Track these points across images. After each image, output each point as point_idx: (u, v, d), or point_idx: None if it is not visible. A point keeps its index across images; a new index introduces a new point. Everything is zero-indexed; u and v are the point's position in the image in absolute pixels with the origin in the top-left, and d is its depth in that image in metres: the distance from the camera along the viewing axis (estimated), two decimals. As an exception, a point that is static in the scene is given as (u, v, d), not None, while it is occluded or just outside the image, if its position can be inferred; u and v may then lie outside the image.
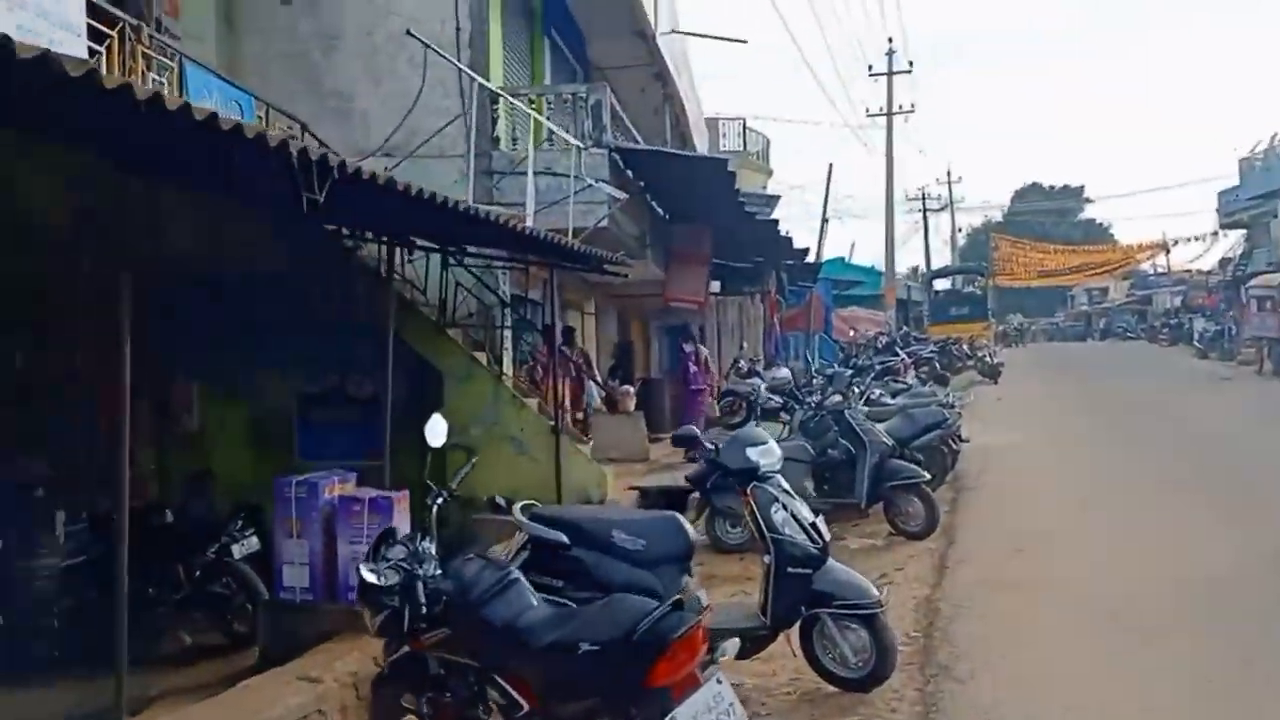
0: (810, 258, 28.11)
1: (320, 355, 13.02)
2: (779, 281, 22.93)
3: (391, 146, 13.10)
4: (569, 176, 12.52)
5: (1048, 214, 72.54)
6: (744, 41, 23.28)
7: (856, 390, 13.72)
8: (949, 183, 53.16)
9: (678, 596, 4.07)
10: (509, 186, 12.99)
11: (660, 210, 18.22)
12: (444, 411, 11.90)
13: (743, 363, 16.50)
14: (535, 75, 15.17)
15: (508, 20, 14.30)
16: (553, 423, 11.93)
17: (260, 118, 10.87)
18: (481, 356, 11.99)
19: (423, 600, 4.46)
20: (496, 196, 12.99)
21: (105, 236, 8.85)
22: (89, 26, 7.85)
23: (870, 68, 36.68)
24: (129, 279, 5.19)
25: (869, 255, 40.49)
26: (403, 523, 8.16)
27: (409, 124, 13.08)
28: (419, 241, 10.88)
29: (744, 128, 35.12)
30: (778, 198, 36.23)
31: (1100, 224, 77.32)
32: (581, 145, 12.99)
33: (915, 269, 57.70)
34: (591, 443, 14.55)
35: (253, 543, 8.53)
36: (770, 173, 38.93)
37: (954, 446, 11.64)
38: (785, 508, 5.99)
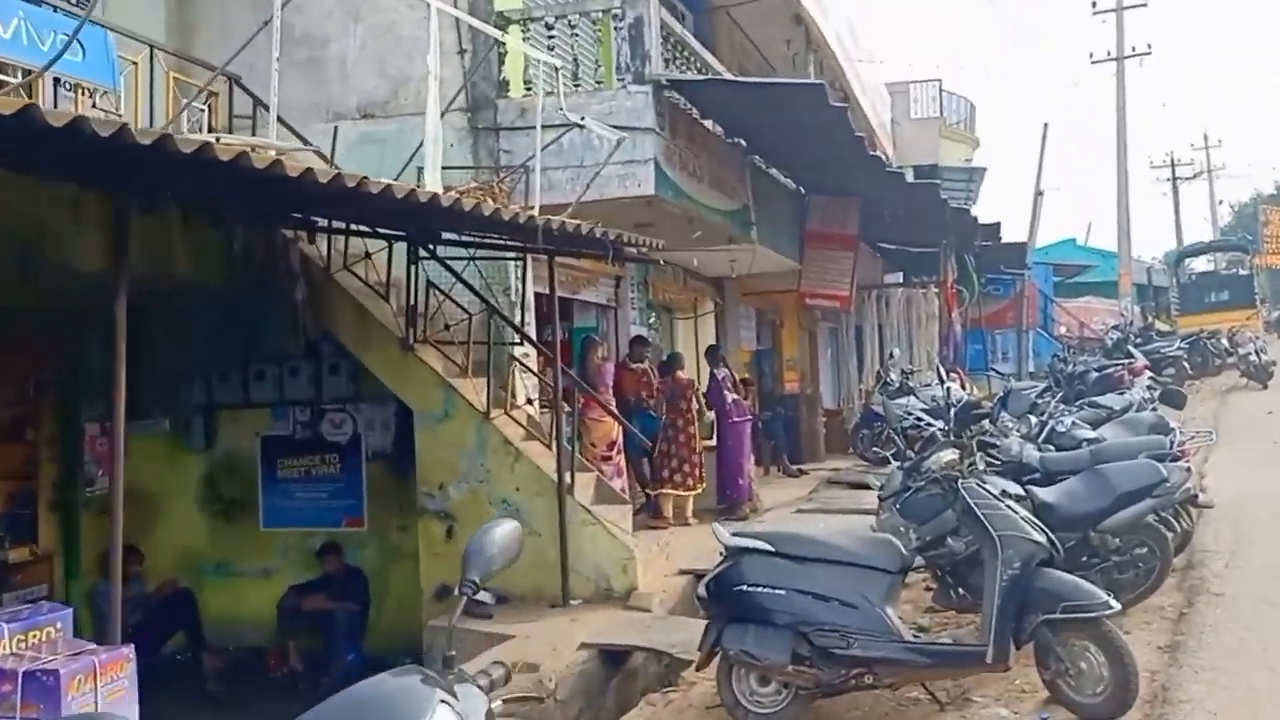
0: (1015, 239, 23.00)
1: (285, 385, 9.95)
2: (962, 267, 18.31)
3: (371, 104, 9.83)
4: (580, 126, 8.81)
5: (1332, 181, 61.92)
6: None
7: (1034, 421, 9.32)
8: (1205, 146, 45.25)
9: None
10: (521, 146, 9.42)
11: (782, 178, 14.17)
12: (416, 463, 8.50)
13: (893, 375, 12.28)
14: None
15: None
16: (569, 477, 8.30)
17: (134, 65, 7.77)
18: (469, 385, 8.45)
19: None
20: (505, 161, 9.46)
21: None
22: None
23: (1094, 3, 30.56)
24: None
25: (1112, 237, 34.31)
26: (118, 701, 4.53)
27: (395, 72, 9.79)
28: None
29: (940, 91, 30.06)
30: (983, 170, 31.22)
31: (1400, 190, 65.52)
32: (598, 84, 9.30)
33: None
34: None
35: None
36: (976, 143, 33.64)
37: (1180, 522, 7.12)
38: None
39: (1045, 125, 37.73)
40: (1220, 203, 49.05)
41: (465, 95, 9.49)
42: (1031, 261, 27.55)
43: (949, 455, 5.75)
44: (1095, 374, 15.91)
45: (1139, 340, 23.99)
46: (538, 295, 10.01)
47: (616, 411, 10.40)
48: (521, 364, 8.70)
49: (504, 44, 9.50)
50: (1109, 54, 30.12)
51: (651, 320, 13.00)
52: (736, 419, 11.90)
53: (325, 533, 9.74)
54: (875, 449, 12.67)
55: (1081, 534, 6.43)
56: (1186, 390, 22.94)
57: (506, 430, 8.42)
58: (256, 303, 8.87)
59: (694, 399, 11.16)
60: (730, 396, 11.93)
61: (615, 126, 9.17)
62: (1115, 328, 26.94)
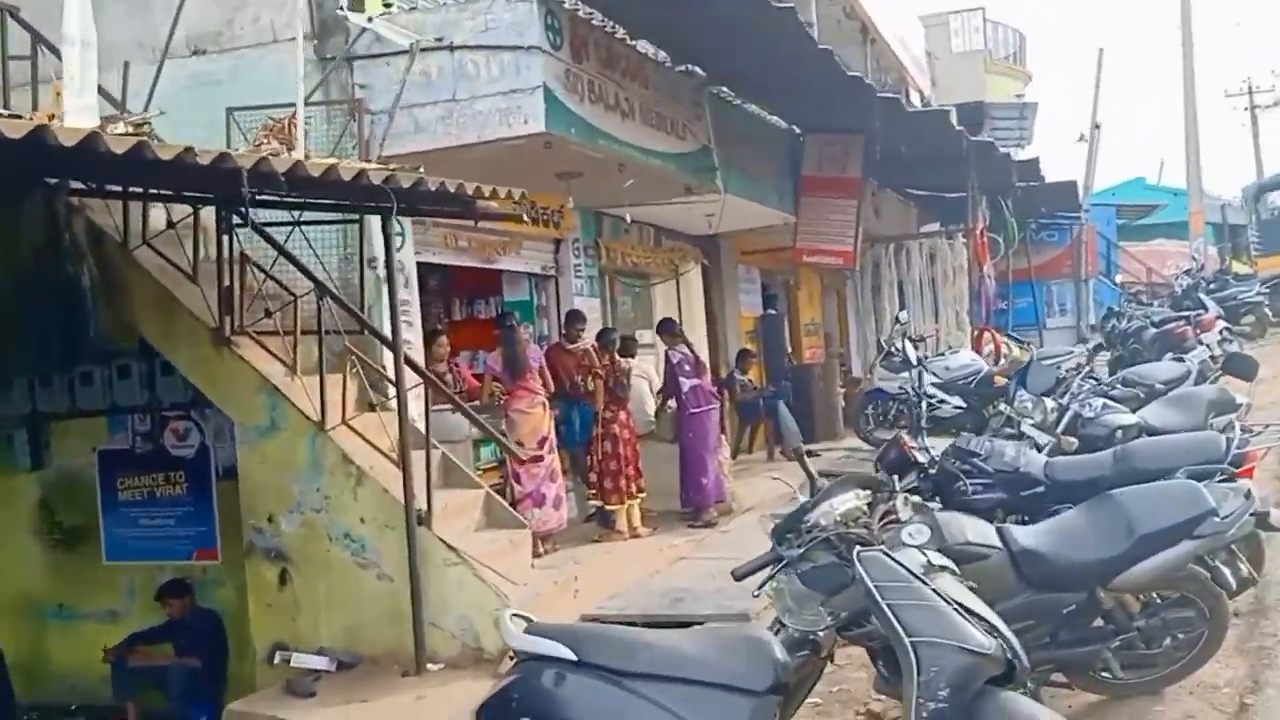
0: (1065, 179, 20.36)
1: (115, 388, 8.17)
2: (997, 212, 15.91)
3: (202, 37, 7.91)
4: (447, 49, 6.80)
5: None
6: None
7: (1050, 405, 7.15)
8: (1287, 72, 41.24)
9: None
10: (380, 79, 7.44)
11: (766, 115, 11.98)
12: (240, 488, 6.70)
13: (898, 343, 10.10)
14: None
15: None
16: (425, 502, 6.40)
17: None
18: (301, 388, 6.54)
19: None
20: (365, 100, 7.49)
21: None
22: None
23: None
24: None
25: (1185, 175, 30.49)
26: None
27: (230, -2, 7.85)
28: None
29: (984, 21, 27.29)
30: (1034, 105, 28.35)
31: None
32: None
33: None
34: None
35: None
36: (1028, 78, 30.68)
37: (1240, 561, 4.88)
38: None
39: (1100, 51, 34.21)
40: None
41: (310, 18, 7.54)
42: (1088, 203, 24.79)
43: (847, 502, 3.69)
44: (1153, 331, 13.46)
45: (1213, 286, 21.25)
46: (423, 266, 8.07)
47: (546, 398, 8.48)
48: (358, 356, 6.72)
49: (358, -53, 7.52)
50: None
51: (607, 289, 10.96)
52: (695, 409, 9.81)
53: (175, 567, 7.98)
54: (879, 431, 10.48)
55: (1086, 592, 4.33)
56: (1269, 339, 20.32)
57: (347, 444, 6.49)
58: (45, 290, 7.04)
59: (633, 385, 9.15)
60: (688, 382, 9.85)
61: (493, 47, 7.17)
62: (1186, 272, 24.14)
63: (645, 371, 10.22)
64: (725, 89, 10.58)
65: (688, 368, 10.06)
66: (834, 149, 12.42)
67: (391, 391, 6.79)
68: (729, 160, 10.40)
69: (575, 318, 9.39)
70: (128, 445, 8.14)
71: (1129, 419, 6.89)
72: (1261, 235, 28.86)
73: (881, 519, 3.93)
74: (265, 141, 5.74)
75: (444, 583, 6.31)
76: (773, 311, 15.66)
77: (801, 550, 3.73)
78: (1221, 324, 15.90)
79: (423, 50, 7.28)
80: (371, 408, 6.88)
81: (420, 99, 7.31)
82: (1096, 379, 8.11)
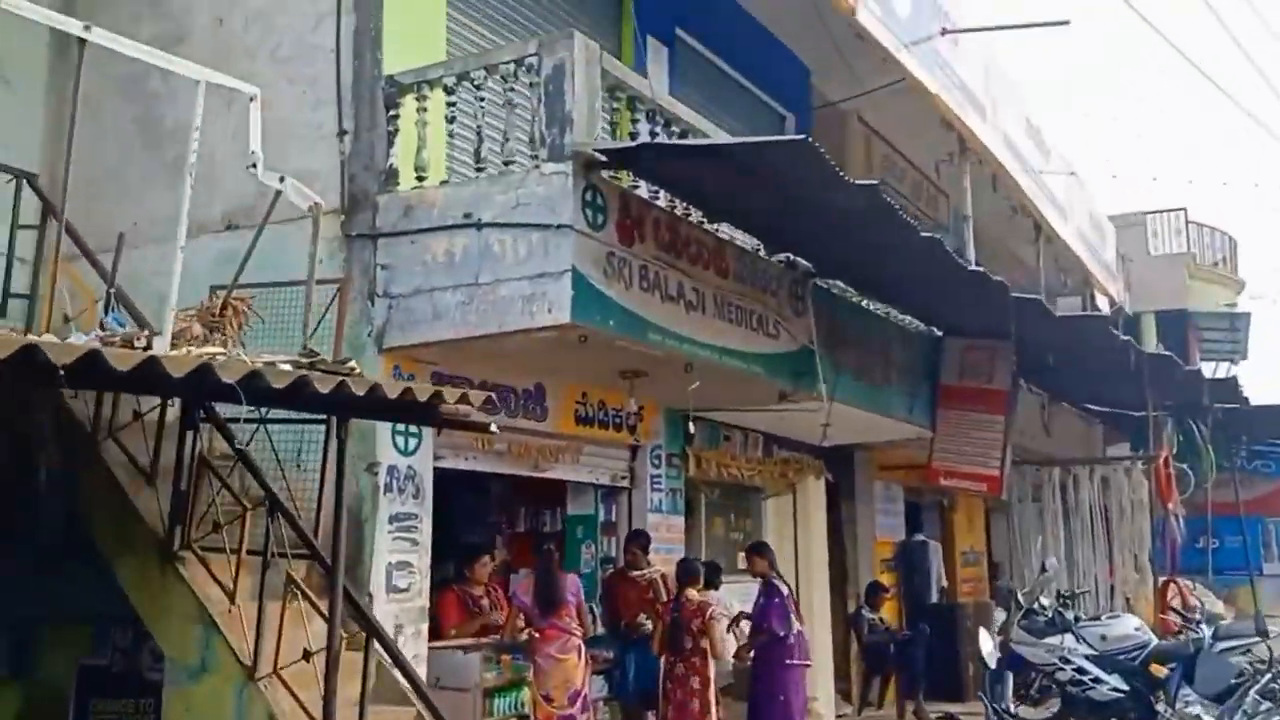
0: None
1: (97, 593, 7.25)
2: (1189, 438, 13.65)
3: (237, 210, 7.28)
4: (475, 226, 5.85)
5: None
6: (1065, 23, 13.74)
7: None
8: None
9: None
10: (404, 258, 6.52)
11: (898, 315, 10.54)
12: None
13: (1044, 599, 8.07)
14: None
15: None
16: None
17: None
18: (238, 621, 5.39)
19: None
20: (384, 281, 6.58)
21: None
22: None
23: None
24: None
25: None
26: None
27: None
28: None
29: (1186, 223, 25.11)
30: (1247, 315, 25.64)
31: None
32: (506, 164, 6.34)
33: None
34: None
35: None
36: (1241, 285, 27.93)
37: None
38: None
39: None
40: None
41: (341, 192, 6.77)
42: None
43: None
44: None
45: None
46: (442, 473, 6.92)
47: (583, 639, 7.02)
48: (297, 585, 5.47)
49: (396, 118, 6.78)
50: None
51: (701, 506, 9.53)
52: (791, 660, 8.10)
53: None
54: (1011, 708, 8.36)
55: None
56: None
57: (281, 701, 5.21)
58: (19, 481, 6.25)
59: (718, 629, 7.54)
60: (797, 625, 8.14)
61: (522, 225, 6.15)
62: None
63: (727, 605, 8.60)
64: (838, 283, 9.26)
65: (784, 608, 8.40)
66: (978, 356, 10.78)
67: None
68: (841, 364, 8.97)
69: (637, 538, 7.99)
70: (107, 661, 7.15)
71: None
72: None
73: None
74: (186, 326, 4.80)
75: None
76: (920, 537, 13.75)
77: None
78: None
79: (449, 228, 6.35)
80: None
81: (442, 282, 6.33)
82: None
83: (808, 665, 8.30)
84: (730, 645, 8.49)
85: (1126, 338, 10.49)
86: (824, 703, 10.80)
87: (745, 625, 8.62)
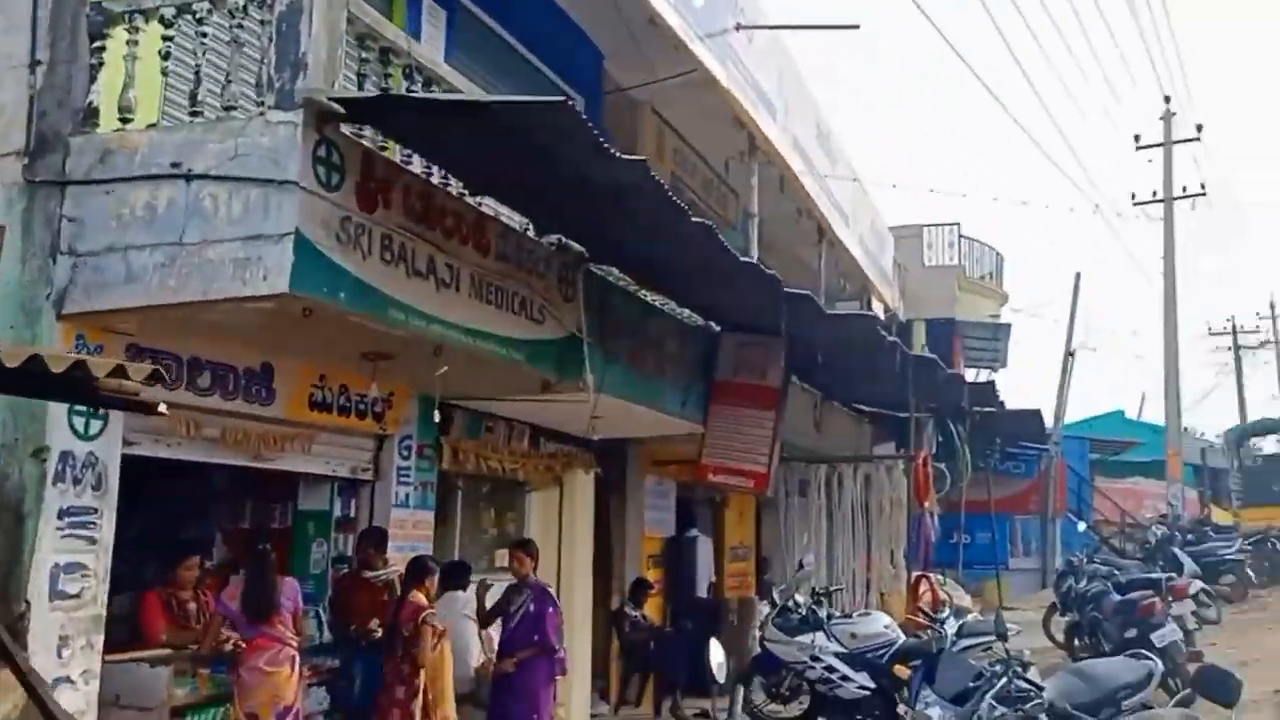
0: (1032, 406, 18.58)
1: None
2: (949, 439, 14.11)
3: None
4: (184, 177, 5.06)
5: None
6: (855, 27, 13.91)
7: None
8: (1274, 315, 40.20)
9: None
10: (98, 211, 5.63)
11: (673, 306, 10.26)
12: None
13: (798, 596, 7.99)
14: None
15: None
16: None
17: None
18: None
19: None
20: (71, 236, 5.66)
21: None
22: None
23: (1137, 138, 26.59)
24: None
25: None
26: None
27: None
28: None
29: (959, 237, 26.26)
30: (1008, 327, 27.12)
31: None
32: (226, 109, 5.61)
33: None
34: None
35: None
36: (1004, 298, 29.58)
37: None
38: None
39: (1078, 275, 33.41)
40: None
41: (27, 130, 5.81)
42: (1059, 435, 23.08)
43: None
44: (1115, 600, 11.34)
45: (1190, 537, 19.31)
46: (142, 461, 6.06)
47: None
48: None
49: (102, 50, 5.86)
50: (1155, 194, 26.02)
51: (457, 501, 8.92)
52: (555, 675, 7.64)
53: None
54: (765, 707, 8.21)
55: None
56: (1251, 603, 18.20)
57: None
58: None
59: (428, 637, 6.94)
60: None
61: (240, 179, 5.39)
62: (1161, 519, 22.20)
63: (471, 608, 8.05)
64: (614, 270, 8.86)
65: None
66: (752, 352, 10.64)
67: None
68: (612, 354, 8.57)
69: (370, 536, 7.34)
70: None
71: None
72: (1243, 484, 27.16)
73: None
74: None
75: None
76: (692, 533, 13.57)
77: None
78: (1198, 586, 13.89)
79: (153, 178, 5.51)
80: None
81: (140, 239, 5.48)
82: (1030, 683, 6.01)
83: (553, 659, 7.85)
84: (475, 651, 7.96)
85: (893, 339, 10.58)
86: (579, 702, 10.44)
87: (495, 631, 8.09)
